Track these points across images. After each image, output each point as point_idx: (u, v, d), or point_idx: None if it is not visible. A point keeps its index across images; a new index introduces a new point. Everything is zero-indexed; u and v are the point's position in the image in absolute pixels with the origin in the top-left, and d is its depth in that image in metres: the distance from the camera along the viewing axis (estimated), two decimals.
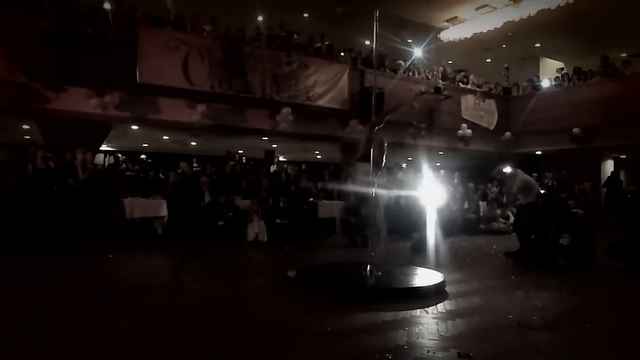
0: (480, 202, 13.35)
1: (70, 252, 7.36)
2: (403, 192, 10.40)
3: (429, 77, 14.67)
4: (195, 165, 11.87)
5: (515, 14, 13.73)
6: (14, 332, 3.58)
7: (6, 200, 8.26)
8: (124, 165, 11.34)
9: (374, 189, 5.91)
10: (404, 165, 15.34)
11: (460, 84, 15.30)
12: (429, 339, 3.65)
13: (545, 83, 15.76)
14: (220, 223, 9.38)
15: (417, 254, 8.02)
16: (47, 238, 8.17)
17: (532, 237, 7.78)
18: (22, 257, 6.89)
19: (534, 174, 14.54)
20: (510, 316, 4.30)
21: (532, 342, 3.67)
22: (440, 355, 3.30)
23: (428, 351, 3.37)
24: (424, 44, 14.46)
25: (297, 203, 10.89)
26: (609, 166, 15.75)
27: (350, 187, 9.87)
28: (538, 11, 13.21)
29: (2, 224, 7.95)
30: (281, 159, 17.33)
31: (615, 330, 4.14)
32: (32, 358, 3.10)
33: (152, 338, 3.52)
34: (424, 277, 5.60)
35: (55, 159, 9.10)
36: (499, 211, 12.75)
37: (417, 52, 14.48)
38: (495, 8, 14.12)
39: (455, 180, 13.75)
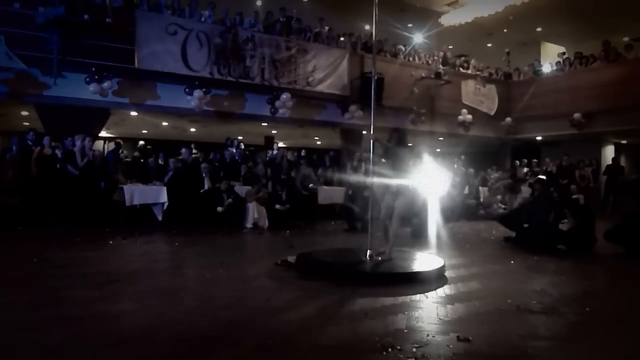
0: (480, 188, 13.35)
1: (71, 239, 7.37)
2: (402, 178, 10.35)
3: (430, 62, 14.57)
4: (194, 151, 11.85)
5: None
6: (14, 317, 3.60)
7: (6, 188, 8.26)
8: (122, 151, 11.32)
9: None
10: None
11: (461, 69, 15.20)
12: (428, 323, 3.66)
13: (546, 68, 15.66)
14: (220, 209, 9.39)
15: (417, 240, 8.04)
16: (47, 225, 8.18)
17: (525, 225, 7.73)
18: (22, 244, 6.91)
19: (534, 160, 14.64)
20: (509, 300, 4.31)
21: (532, 326, 3.68)
22: (439, 339, 3.31)
23: (428, 335, 3.39)
24: (425, 28, 14.36)
25: (296, 189, 10.88)
26: (609, 152, 15.71)
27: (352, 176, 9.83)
28: None
29: (2, 211, 7.96)
30: (281, 144, 17.29)
31: (614, 314, 4.16)
32: (34, 343, 3.11)
33: (153, 322, 3.54)
34: (424, 262, 5.61)
35: (61, 147, 9.11)
36: (499, 197, 12.75)
37: (418, 36, 14.36)
38: None
39: (456, 165, 13.73)
